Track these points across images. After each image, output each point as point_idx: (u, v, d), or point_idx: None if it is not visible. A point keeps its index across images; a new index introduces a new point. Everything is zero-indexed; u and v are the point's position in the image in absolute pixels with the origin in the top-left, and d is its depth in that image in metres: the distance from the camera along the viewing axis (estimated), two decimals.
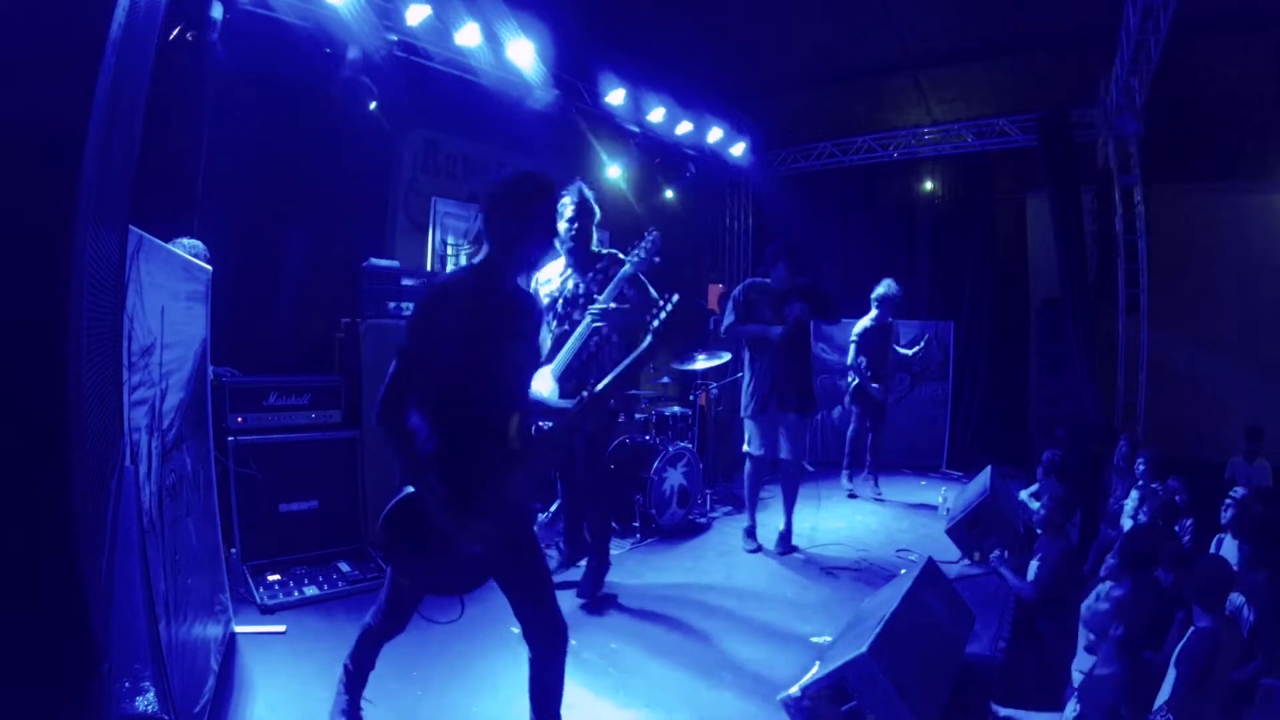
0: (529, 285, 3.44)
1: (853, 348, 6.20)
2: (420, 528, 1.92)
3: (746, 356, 4.75)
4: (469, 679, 2.91)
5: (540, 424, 2.16)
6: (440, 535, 1.91)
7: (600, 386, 2.09)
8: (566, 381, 3.49)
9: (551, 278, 3.72)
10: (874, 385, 6.17)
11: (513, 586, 2.07)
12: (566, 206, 3.50)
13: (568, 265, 3.69)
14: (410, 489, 1.94)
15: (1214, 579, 2.59)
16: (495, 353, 1.97)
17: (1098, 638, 2.53)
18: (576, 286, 3.65)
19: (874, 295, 6.21)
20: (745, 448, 4.76)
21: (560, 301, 3.67)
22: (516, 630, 2.26)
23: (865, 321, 6.22)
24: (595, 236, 3.71)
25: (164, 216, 3.31)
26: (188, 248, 3.43)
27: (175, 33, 3.73)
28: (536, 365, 2.26)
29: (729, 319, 4.68)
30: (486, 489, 1.95)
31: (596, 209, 3.61)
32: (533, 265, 2.18)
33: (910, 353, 6.68)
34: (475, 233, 2.20)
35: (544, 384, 3.47)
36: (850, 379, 6.28)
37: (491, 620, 3.09)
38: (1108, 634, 2.16)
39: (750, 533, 4.89)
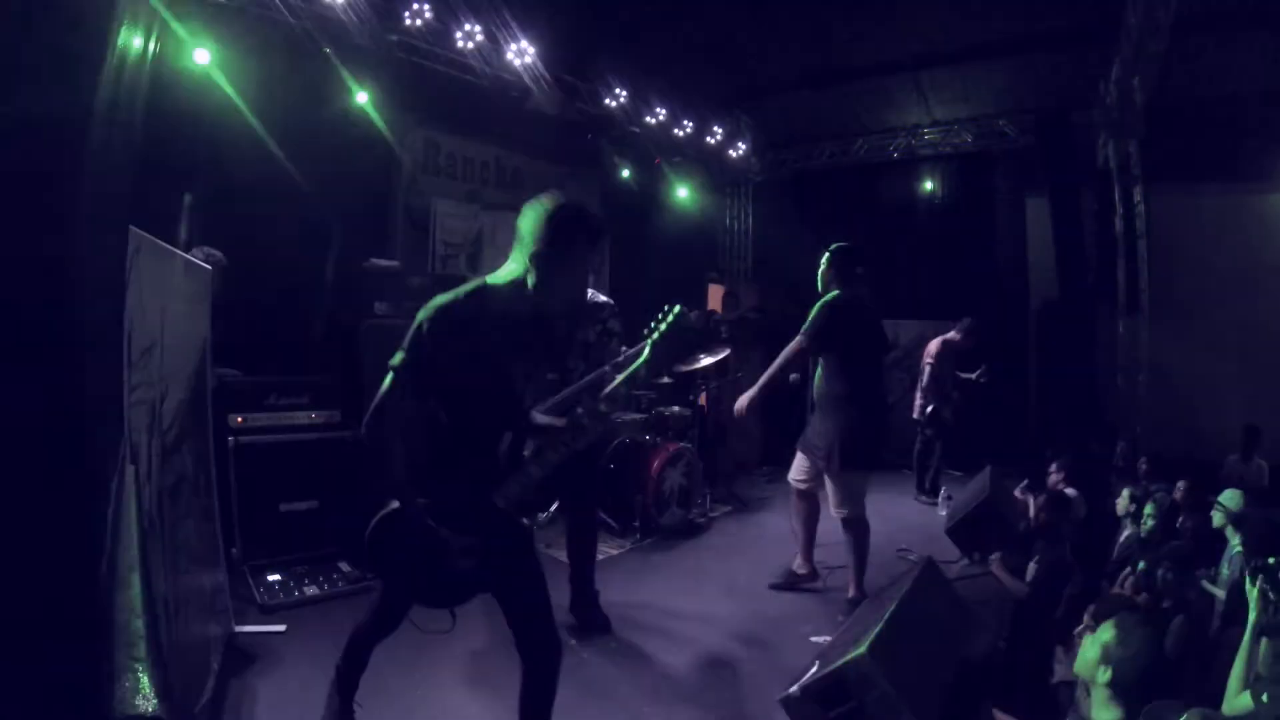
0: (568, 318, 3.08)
1: (927, 369, 6.28)
2: (407, 542, 1.89)
3: (840, 389, 3.70)
4: (470, 679, 2.91)
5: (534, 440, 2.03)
6: (426, 550, 1.88)
7: (596, 401, 1.99)
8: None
9: None
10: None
11: (506, 600, 2.03)
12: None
13: None
14: (395, 504, 1.90)
15: None
16: (499, 373, 1.91)
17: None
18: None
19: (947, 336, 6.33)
20: (840, 509, 3.67)
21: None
22: None
23: (936, 345, 6.31)
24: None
25: (163, 217, 3.31)
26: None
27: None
28: (537, 386, 2.12)
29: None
30: (473, 505, 1.91)
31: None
32: (569, 303, 1.97)
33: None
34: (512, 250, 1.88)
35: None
36: (924, 402, 6.33)
37: (492, 620, 3.08)
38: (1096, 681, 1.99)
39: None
